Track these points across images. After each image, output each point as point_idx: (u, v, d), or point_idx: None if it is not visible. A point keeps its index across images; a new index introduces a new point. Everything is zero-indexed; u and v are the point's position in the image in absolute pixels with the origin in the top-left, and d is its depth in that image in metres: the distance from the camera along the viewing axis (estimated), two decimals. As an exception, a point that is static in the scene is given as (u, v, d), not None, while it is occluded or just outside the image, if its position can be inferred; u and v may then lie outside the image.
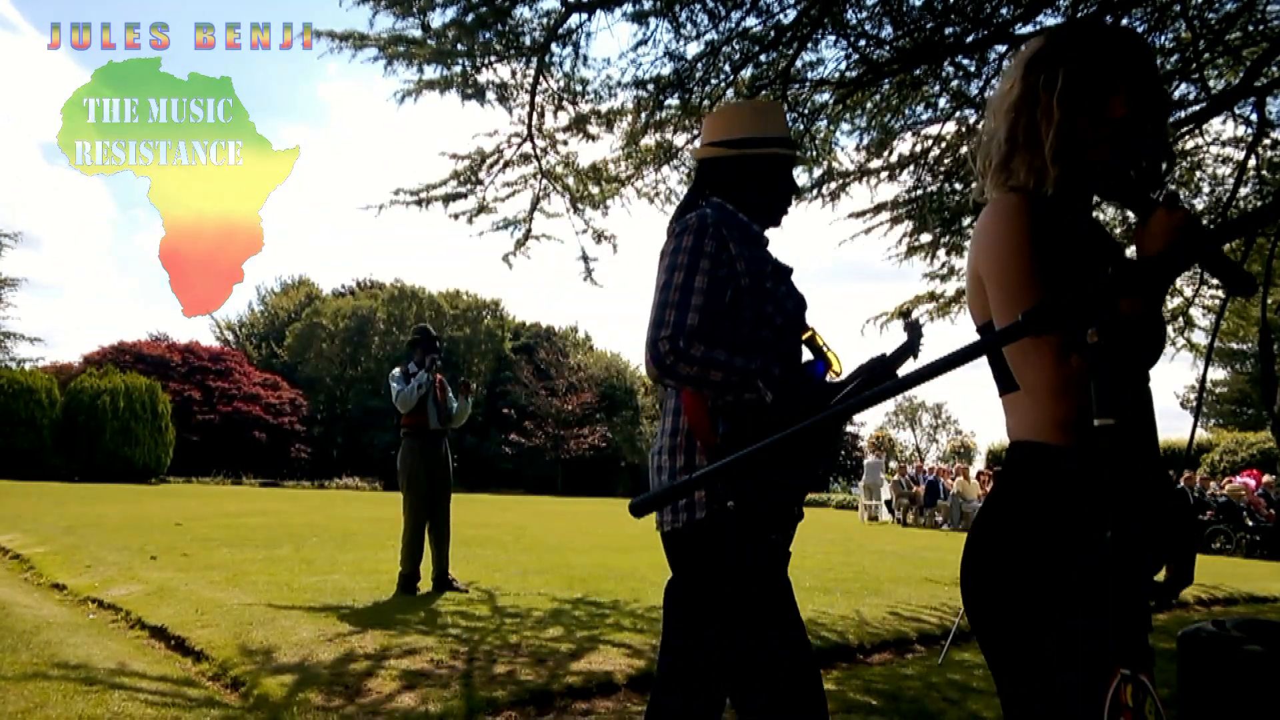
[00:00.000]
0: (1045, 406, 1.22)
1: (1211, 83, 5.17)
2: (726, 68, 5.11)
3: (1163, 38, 4.92)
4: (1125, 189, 1.33)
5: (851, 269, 73.21)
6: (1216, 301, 7.23)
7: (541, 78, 5.30)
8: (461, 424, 6.38)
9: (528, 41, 4.99)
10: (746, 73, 5.23)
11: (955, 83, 5.35)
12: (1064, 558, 1.19)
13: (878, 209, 6.45)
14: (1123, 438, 1.19)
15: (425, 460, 5.91)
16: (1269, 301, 6.14)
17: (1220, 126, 5.86)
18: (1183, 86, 5.17)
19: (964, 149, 5.90)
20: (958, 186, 6.25)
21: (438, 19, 4.76)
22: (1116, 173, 1.31)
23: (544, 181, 6.21)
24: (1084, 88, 1.27)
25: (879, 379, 1.78)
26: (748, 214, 1.96)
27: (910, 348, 1.89)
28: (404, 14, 4.73)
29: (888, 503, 19.90)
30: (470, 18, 4.66)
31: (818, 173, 6.18)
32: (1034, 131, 1.29)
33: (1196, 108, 5.17)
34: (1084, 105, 1.27)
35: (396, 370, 6.11)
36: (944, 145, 5.94)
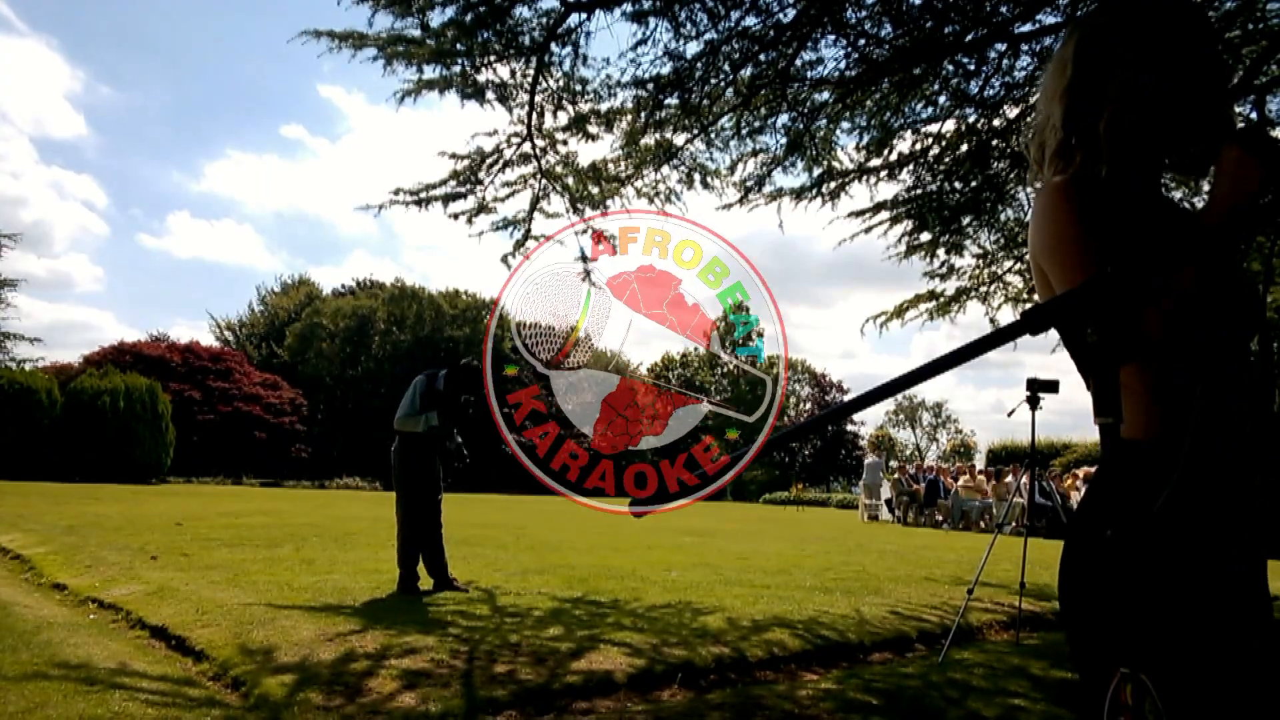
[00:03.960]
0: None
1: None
2: (726, 67, 5.11)
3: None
4: (1187, 163, 1.29)
5: (851, 268, 73.20)
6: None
7: (541, 77, 5.30)
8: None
9: (527, 41, 4.99)
10: (746, 72, 5.23)
11: (955, 81, 5.35)
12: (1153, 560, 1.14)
13: (877, 208, 6.45)
14: (1219, 425, 1.16)
15: (418, 461, 5.88)
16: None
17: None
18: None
19: (964, 147, 5.90)
20: (958, 185, 6.25)
21: (437, 18, 4.77)
22: (1174, 148, 1.26)
23: (544, 181, 6.21)
24: (1138, 65, 1.23)
25: None
26: None
27: None
28: (403, 14, 4.73)
29: (888, 502, 19.91)
30: (469, 17, 4.66)
31: (817, 172, 6.18)
32: (1089, 115, 1.26)
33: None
34: (1139, 82, 1.22)
35: (421, 380, 5.96)
36: (944, 144, 5.94)
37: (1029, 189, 6.11)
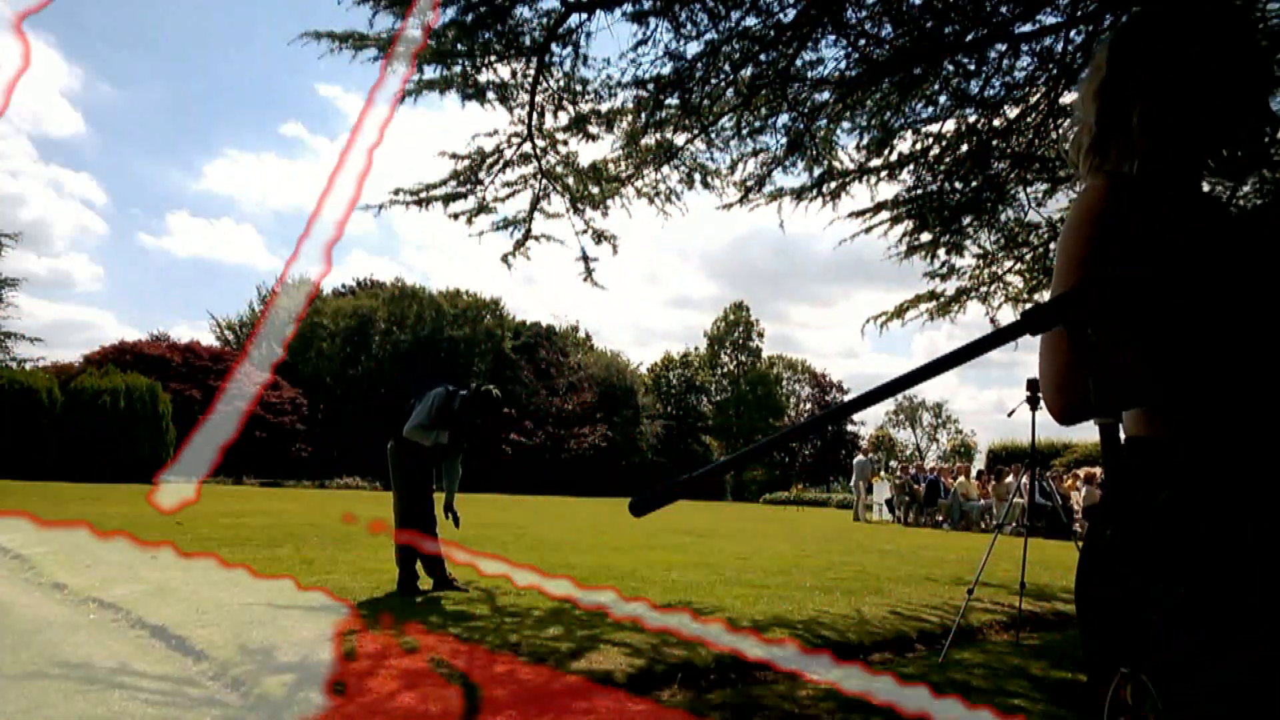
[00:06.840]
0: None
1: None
2: (726, 67, 5.11)
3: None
4: (1225, 166, 1.30)
5: (851, 268, 73.15)
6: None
7: (541, 78, 5.30)
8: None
9: (527, 41, 4.99)
10: (746, 72, 5.23)
11: (955, 81, 5.35)
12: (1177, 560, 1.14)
13: (878, 208, 6.45)
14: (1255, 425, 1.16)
15: (415, 460, 5.87)
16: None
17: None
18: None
19: (964, 147, 5.90)
20: (958, 185, 6.25)
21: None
22: (1207, 148, 1.27)
23: (544, 181, 6.21)
24: (1170, 64, 1.24)
25: None
26: None
27: None
28: (403, 14, 4.73)
29: (888, 501, 19.86)
30: (470, 18, 4.66)
31: (818, 172, 6.18)
32: (1122, 114, 1.28)
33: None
34: (1172, 83, 1.24)
35: (441, 395, 5.86)
36: (944, 144, 5.94)
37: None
